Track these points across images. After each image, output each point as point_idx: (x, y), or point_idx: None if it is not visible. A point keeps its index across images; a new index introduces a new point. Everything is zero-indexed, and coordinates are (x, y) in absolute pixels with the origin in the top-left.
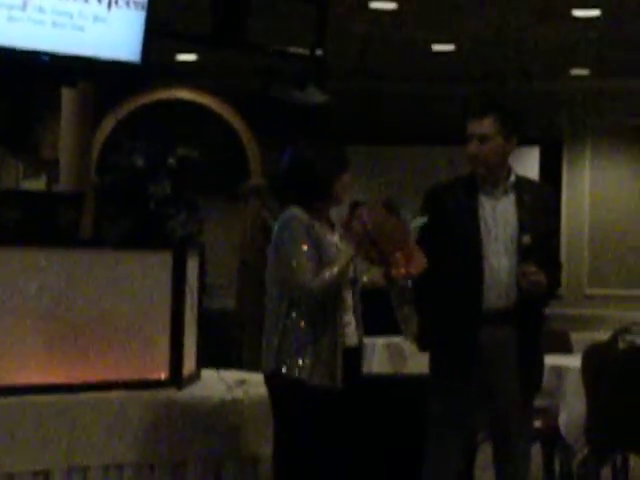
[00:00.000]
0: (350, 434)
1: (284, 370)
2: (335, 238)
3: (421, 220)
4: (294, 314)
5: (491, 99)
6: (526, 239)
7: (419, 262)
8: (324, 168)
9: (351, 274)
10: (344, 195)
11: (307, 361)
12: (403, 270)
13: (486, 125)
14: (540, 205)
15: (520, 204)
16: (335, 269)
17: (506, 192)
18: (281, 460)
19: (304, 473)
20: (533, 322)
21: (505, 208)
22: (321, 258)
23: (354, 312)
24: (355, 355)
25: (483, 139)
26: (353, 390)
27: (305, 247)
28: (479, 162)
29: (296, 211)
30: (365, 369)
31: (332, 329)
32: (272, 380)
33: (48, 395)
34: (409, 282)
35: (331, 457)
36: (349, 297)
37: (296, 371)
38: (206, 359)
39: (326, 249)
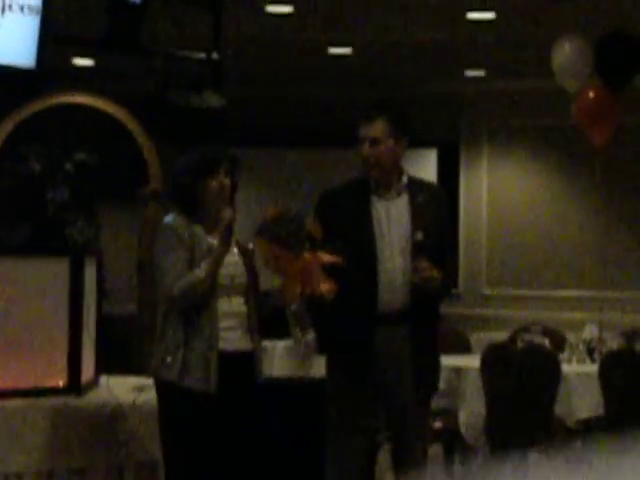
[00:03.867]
0: (245, 438)
1: (158, 372)
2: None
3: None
4: (169, 318)
5: (381, 102)
6: (418, 235)
7: (317, 283)
8: (184, 174)
9: (242, 279)
10: (212, 199)
11: (177, 363)
12: (294, 291)
13: (376, 128)
14: (432, 204)
15: (413, 205)
16: (199, 272)
17: (399, 194)
18: (166, 461)
19: (185, 475)
20: (428, 322)
21: (398, 209)
22: (196, 262)
23: (248, 317)
24: (245, 359)
25: (374, 142)
26: (246, 393)
27: (173, 253)
28: (371, 165)
29: (170, 217)
30: (266, 372)
31: (204, 333)
32: (155, 383)
33: None
34: (300, 306)
35: (215, 459)
36: (236, 302)
37: (166, 372)
38: (108, 365)
39: (202, 253)
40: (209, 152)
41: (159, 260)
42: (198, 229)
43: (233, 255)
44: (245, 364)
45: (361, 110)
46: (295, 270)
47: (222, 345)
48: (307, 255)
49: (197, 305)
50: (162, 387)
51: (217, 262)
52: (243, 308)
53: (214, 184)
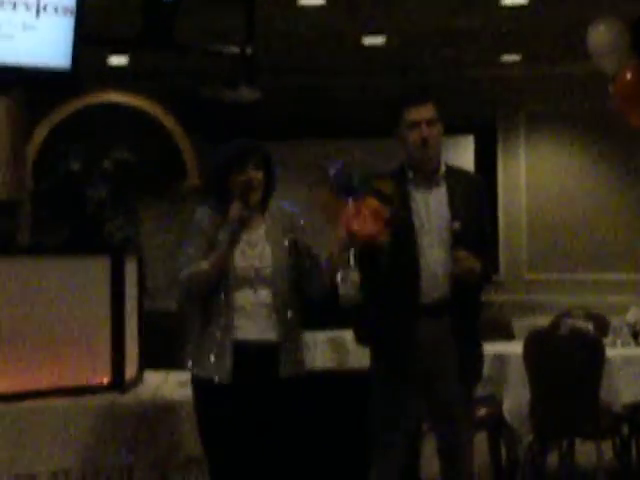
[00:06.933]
0: (275, 430)
1: (185, 363)
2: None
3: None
4: (194, 311)
5: (424, 87)
6: (456, 225)
7: (362, 226)
8: (215, 168)
9: (268, 271)
10: (240, 192)
11: (193, 353)
12: (343, 230)
13: (431, 110)
14: (470, 193)
15: (451, 194)
16: (204, 264)
17: (437, 184)
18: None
19: (219, 467)
20: (470, 311)
21: (437, 200)
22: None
23: (275, 309)
24: (270, 350)
25: (430, 123)
26: (271, 385)
27: (190, 243)
28: (431, 147)
29: (198, 210)
30: (308, 364)
31: (219, 323)
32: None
33: None
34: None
35: (245, 451)
36: (262, 293)
37: (187, 363)
38: (151, 360)
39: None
40: (239, 146)
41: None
42: (217, 224)
43: (257, 247)
44: (269, 356)
45: (405, 95)
46: (343, 214)
47: (240, 334)
48: (357, 201)
49: (208, 295)
50: (192, 379)
51: (223, 256)
52: (270, 298)
53: (242, 178)
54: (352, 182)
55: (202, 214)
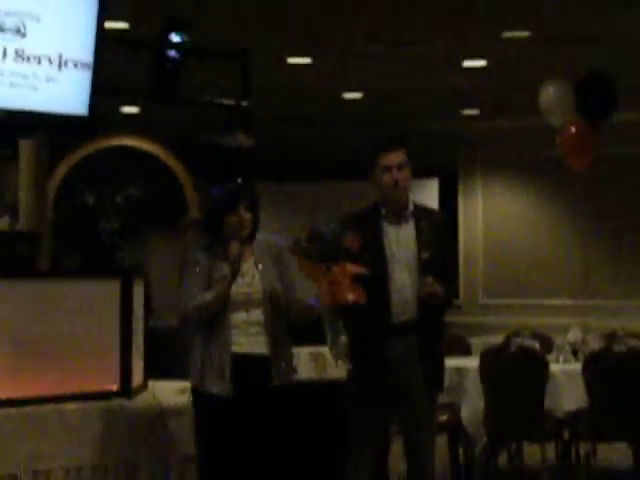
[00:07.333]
0: (265, 435)
1: (189, 379)
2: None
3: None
4: (195, 332)
5: (398, 135)
6: (425, 255)
7: (344, 293)
8: (209, 209)
9: (258, 295)
10: (233, 232)
11: (198, 370)
12: (327, 299)
13: (401, 156)
14: (434, 228)
15: (418, 229)
16: (208, 296)
17: (406, 220)
18: (197, 458)
19: (209, 472)
20: (434, 331)
21: (406, 234)
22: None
23: (266, 326)
24: (262, 363)
25: (400, 167)
26: (262, 395)
27: (190, 278)
28: (402, 188)
29: (196, 247)
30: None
31: (219, 340)
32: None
33: (17, 408)
34: (332, 313)
35: (238, 458)
36: (254, 313)
37: (192, 379)
38: (154, 371)
39: (218, 280)
40: (231, 191)
41: (180, 287)
42: (219, 258)
43: (248, 275)
44: (262, 367)
45: (379, 143)
46: (325, 282)
47: (236, 349)
48: (335, 268)
49: (211, 320)
50: (192, 392)
51: (224, 288)
52: (261, 318)
53: (235, 219)
54: (324, 249)
55: (198, 251)
